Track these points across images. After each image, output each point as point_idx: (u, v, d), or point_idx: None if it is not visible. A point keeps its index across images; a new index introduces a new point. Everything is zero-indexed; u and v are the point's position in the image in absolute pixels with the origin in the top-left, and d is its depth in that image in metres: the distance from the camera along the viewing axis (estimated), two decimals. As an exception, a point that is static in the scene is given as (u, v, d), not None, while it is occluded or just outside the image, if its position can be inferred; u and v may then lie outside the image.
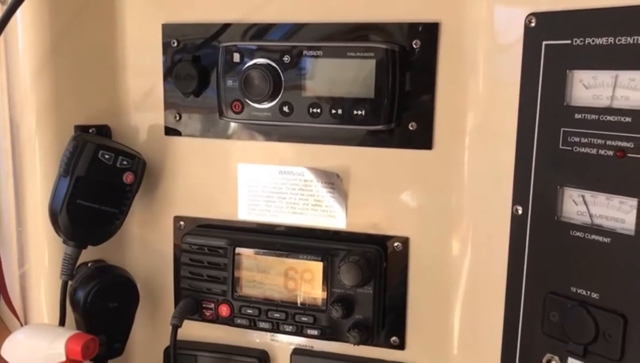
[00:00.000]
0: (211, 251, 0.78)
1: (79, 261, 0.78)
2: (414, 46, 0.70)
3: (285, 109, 0.73)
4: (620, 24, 0.54)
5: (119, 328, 0.82)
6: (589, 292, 0.59)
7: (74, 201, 0.74)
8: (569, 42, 0.58)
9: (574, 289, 0.60)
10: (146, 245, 0.85)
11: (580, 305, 0.59)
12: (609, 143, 0.56)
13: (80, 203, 0.75)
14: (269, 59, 0.72)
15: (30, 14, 0.76)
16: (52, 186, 0.75)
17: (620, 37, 0.55)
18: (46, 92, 0.78)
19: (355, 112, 0.70)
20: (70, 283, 0.78)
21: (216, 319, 0.79)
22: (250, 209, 0.80)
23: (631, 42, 0.54)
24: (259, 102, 0.73)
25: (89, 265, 0.81)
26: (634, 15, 0.54)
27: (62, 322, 0.78)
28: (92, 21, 0.80)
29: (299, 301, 0.76)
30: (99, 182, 0.76)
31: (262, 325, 0.77)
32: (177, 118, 0.81)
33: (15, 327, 0.88)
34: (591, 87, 0.57)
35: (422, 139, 0.71)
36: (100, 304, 0.78)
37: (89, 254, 0.80)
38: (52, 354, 0.70)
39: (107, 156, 0.76)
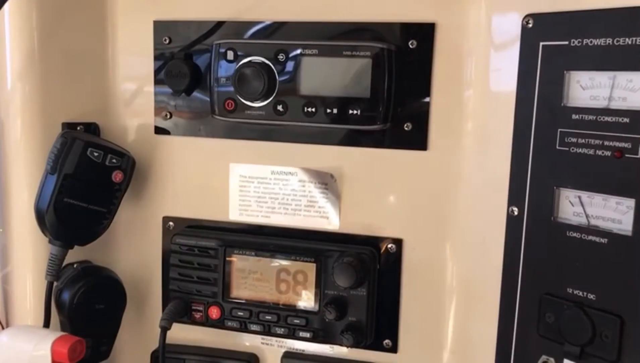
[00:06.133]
0: (201, 252, 0.77)
1: (65, 262, 0.77)
2: (410, 46, 0.69)
3: (280, 108, 0.72)
4: (618, 25, 0.55)
5: (106, 331, 0.80)
6: (585, 293, 0.59)
7: (62, 199, 0.73)
8: (566, 43, 0.58)
9: (570, 290, 0.60)
10: (134, 246, 0.84)
11: (576, 306, 0.59)
12: (606, 143, 0.56)
13: (67, 201, 0.73)
14: (264, 56, 0.72)
15: (17, 10, 0.74)
16: (39, 184, 0.74)
17: (618, 38, 0.55)
18: (33, 89, 0.76)
19: (350, 111, 0.70)
20: (55, 284, 0.76)
21: (206, 321, 0.78)
22: (241, 210, 0.78)
23: (629, 43, 0.54)
24: (253, 100, 0.72)
25: (75, 265, 0.79)
26: (632, 16, 0.54)
27: (46, 324, 0.76)
28: (81, 18, 0.78)
29: (291, 303, 0.75)
30: (87, 180, 0.74)
31: (253, 327, 0.76)
32: (168, 117, 0.80)
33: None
34: (588, 88, 0.58)
35: (417, 140, 0.71)
36: (87, 306, 0.77)
37: (74, 255, 0.78)
38: (37, 356, 0.68)
39: (96, 154, 0.74)
